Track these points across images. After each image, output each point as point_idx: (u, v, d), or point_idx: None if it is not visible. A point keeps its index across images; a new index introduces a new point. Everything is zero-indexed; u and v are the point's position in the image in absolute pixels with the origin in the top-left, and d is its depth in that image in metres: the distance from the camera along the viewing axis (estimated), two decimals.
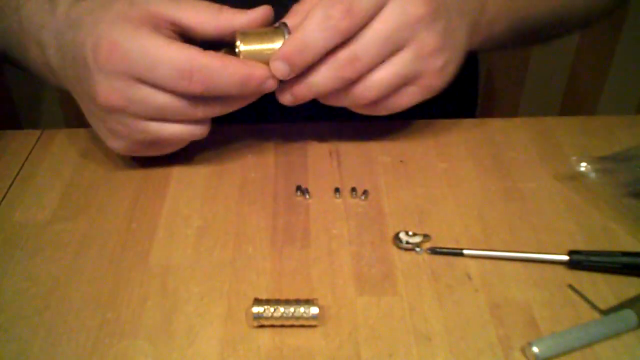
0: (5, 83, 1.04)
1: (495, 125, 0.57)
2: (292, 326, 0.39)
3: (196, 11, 0.46)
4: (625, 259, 0.42)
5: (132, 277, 0.43)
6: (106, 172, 0.53)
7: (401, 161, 0.53)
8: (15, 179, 0.52)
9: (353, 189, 0.50)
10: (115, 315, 0.41)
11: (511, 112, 1.26)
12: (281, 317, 0.39)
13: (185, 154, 0.54)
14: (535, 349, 0.37)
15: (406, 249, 0.45)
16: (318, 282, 0.43)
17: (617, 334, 0.38)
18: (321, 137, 0.56)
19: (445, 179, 0.51)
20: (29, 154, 0.55)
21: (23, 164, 0.54)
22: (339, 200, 0.49)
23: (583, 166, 0.49)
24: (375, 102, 0.47)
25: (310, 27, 0.44)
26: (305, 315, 0.39)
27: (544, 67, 1.19)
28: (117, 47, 0.43)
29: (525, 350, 0.38)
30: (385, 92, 0.47)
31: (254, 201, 0.49)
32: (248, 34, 0.46)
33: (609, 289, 0.42)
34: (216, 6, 0.46)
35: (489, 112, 1.23)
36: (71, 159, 0.54)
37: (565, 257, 0.43)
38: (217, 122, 0.58)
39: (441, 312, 0.40)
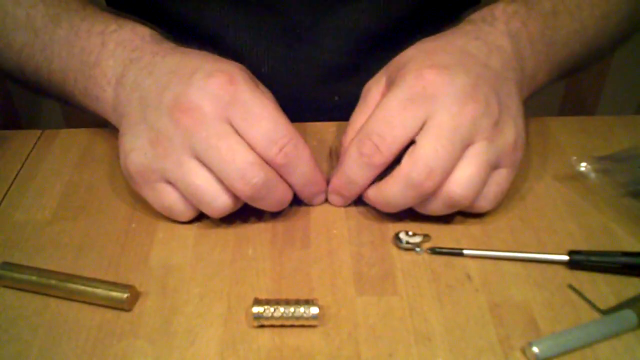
0: (5, 83, 1.03)
1: None
2: (292, 326, 0.39)
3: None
4: (625, 259, 0.42)
5: (132, 277, 0.43)
6: (106, 172, 0.53)
7: None
8: (15, 179, 0.52)
9: None
10: (115, 315, 0.41)
11: None
12: (281, 317, 0.39)
13: None
14: (535, 349, 0.37)
15: (406, 249, 0.45)
16: (318, 282, 0.43)
17: (617, 334, 0.38)
18: (321, 137, 0.56)
19: None
20: (29, 154, 0.55)
21: (23, 164, 0.54)
22: None
23: (583, 166, 0.49)
24: (474, 198, 0.44)
25: (349, 164, 0.45)
26: (305, 315, 0.39)
27: None
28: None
29: (525, 350, 0.38)
30: (475, 185, 0.43)
31: None
32: None
33: (609, 289, 0.42)
34: None
35: None
36: (71, 159, 0.54)
37: (565, 257, 0.43)
38: None
39: (441, 312, 0.40)
